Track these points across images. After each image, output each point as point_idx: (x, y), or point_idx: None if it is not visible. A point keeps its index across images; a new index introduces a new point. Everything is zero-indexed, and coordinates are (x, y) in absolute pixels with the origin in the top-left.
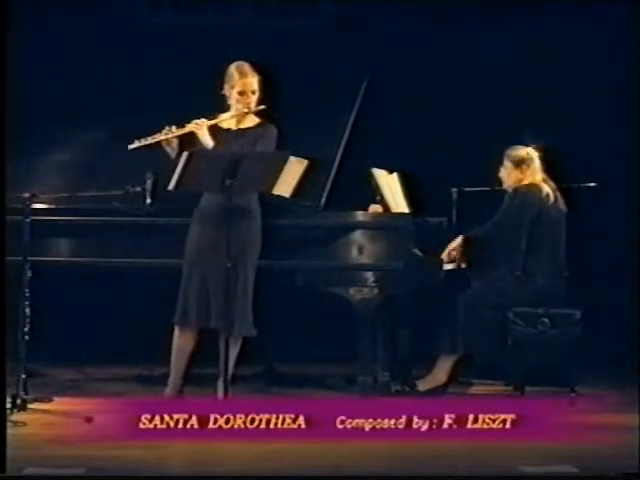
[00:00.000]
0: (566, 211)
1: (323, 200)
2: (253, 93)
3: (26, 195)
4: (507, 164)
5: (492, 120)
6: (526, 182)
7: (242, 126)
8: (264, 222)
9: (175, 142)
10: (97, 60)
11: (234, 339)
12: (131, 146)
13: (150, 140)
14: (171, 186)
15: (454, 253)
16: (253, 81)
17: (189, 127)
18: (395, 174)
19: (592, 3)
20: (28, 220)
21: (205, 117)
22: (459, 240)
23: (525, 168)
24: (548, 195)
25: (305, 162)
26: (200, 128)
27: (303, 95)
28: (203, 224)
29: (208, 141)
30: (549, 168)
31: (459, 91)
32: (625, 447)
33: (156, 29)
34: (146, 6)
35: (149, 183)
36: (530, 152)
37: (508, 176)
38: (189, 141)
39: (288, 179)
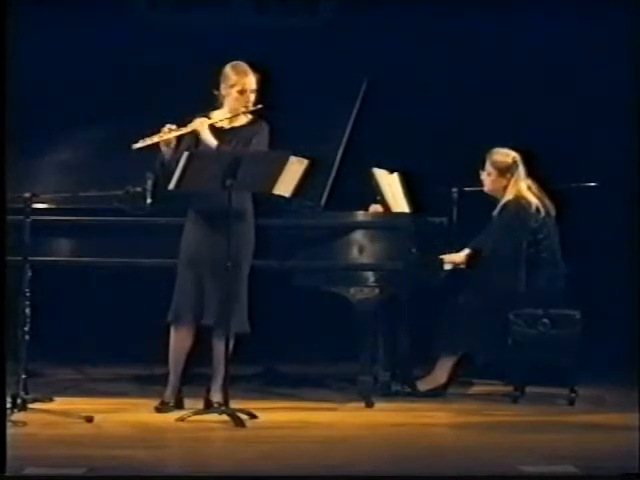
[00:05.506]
0: (555, 214)
1: (323, 200)
2: (252, 92)
3: (26, 195)
4: (490, 169)
5: (492, 119)
6: (511, 191)
7: (236, 124)
8: (264, 222)
9: (174, 142)
10: (97, 59)
11: (228, 337)
12: (136, 145)
13: (155, 139)
14: (171, 186)
15: (455, 260)
16: (253, 80)
17: (192, 125)
18: (395, 174)
19: (592, 3)
20: (28, 220)
21: (199, 116)
22: (462, 256)
23: (509, 176)
24: (538, 208)
25: (305, 162)
26: (203, 126)
27: (303, 95)
28: (198, 224)
29: (211, 139)
30: (534, 171)
31: (459, 91)
32: (625, 447)
33: (157, 27)
34: (147, 4)
35: (149, 183)
36: (516, 158)
37: (492, 182)
38: (188, 140)
39: (288, 179)
